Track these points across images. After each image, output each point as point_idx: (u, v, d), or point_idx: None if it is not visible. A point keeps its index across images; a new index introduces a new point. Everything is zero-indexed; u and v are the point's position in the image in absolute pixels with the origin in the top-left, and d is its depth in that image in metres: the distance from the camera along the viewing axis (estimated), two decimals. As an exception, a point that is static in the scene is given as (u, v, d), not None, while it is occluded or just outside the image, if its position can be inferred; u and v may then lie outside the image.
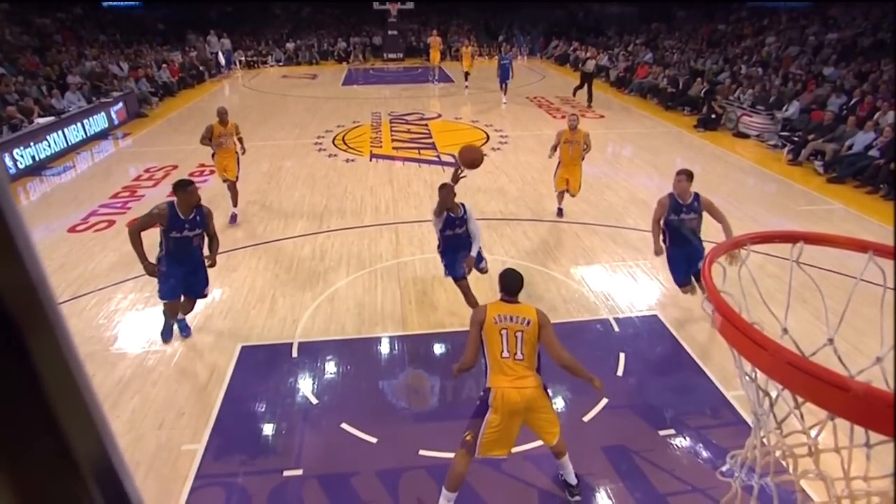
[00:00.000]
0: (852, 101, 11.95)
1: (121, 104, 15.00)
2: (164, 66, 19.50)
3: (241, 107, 17.55)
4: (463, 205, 5.23)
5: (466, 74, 18.77)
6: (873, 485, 1.25)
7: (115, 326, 5.67)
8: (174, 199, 4.79)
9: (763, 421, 1.55)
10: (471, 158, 5.53)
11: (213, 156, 8.12)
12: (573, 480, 3.72)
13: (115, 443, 0.52)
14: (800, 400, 1.40)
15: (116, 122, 14.55)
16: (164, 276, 4.93)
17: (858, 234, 6.42)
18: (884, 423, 0.99)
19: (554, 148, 7.93)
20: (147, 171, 10.85)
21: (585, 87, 16.54)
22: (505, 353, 3.34)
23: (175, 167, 10.93)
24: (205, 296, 5.31)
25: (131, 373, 4.96)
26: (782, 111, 12.73)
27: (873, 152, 9.84)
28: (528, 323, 3.39)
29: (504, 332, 3.37)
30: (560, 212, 8.31)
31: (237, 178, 8.19)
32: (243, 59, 25.57)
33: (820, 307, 2.27)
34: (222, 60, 23.93)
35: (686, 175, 5.38)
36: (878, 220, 8.34)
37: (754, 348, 1.21)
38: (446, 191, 5.07)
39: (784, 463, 1.64)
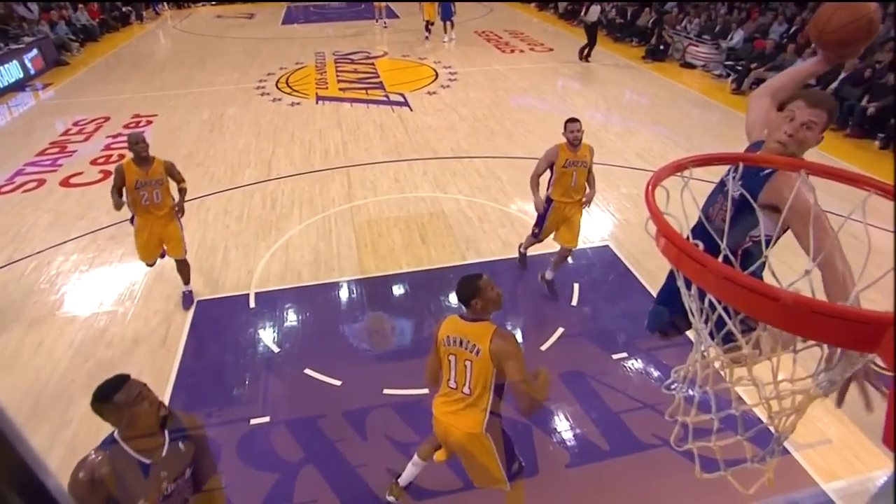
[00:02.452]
0: (793, 29, 12.16)
1: (35, 51, 13.76)
2: (81, 6, 17.88)
3: (175, 51, 16.42)
4: None
5: (429, 24, 15.88)
6: (798, 385, 1.37)
7: (60, 290, 5.44)
8: (113, 437, 2.01)
9: (703, 335, 1.63)
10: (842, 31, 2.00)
11: (131, 220, 4.84)
12: None
13: (24, 439, 0.48)
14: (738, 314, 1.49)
15: (33, 72, 13.39)
16: None
17: (795, 159, 6.68)
18: (809, 327, 1.06)
19: (538, 176, 4.92)
20: (76, 124, 10.13)
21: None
22: (452, 383, 2.75)
23: (107, 119, 10.25)
24: None
25: (82, 336, 4.81)
26: (727, 40, 12.85)
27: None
28: (478, 352, 2.62)
29: (452, 358, 2.71)
30: (523, 258, 5.57)
31: (185, 251, 5.06)
32: (171, -3, 23.72)
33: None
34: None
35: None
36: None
37: (695, 266, 1.26)
38: None
39: (722, 373, 1.75)
